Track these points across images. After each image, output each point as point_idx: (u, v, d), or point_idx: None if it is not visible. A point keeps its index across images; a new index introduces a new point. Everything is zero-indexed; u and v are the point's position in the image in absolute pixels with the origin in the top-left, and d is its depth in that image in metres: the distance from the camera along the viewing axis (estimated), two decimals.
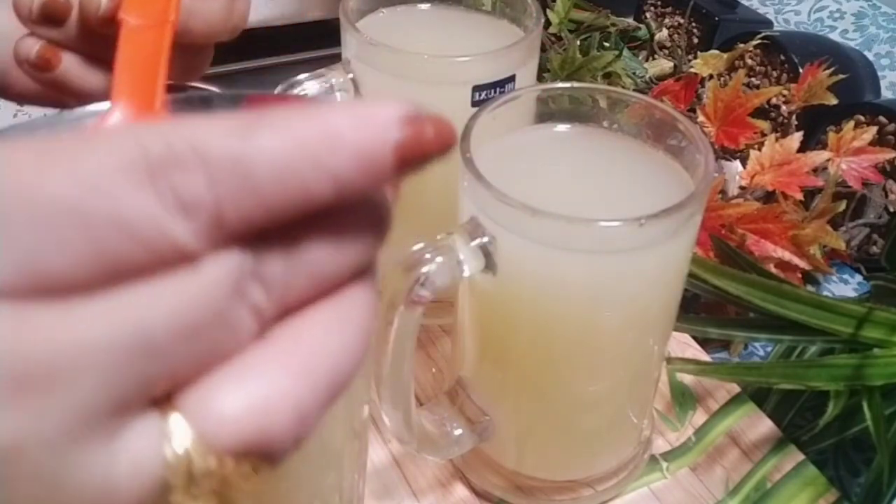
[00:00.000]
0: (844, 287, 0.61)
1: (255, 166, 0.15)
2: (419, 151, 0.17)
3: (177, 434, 0.16)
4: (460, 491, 0.43)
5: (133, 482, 0.15)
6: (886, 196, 0.61)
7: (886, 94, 0.71)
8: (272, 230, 0.16)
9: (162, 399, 0.16)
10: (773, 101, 0.66)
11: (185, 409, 0.16)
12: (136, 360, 0.15)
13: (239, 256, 0.16)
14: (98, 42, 0.36)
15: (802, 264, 0.55)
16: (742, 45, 0.68)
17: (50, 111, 0.43)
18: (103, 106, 0.24)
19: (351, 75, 0.46)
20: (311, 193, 0.16)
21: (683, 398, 0.49)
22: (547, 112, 0.41)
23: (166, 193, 0.15)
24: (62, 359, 0.14)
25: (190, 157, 0.15)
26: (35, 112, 0.76)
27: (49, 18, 0.35)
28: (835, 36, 0.78)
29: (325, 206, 0.16)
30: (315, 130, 0.16)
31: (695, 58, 0.69)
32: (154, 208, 0.15)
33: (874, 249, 0.62)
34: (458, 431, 0.40)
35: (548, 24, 0.75)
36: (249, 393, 0.16)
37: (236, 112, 0.16)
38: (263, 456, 0.16)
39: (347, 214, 0.17)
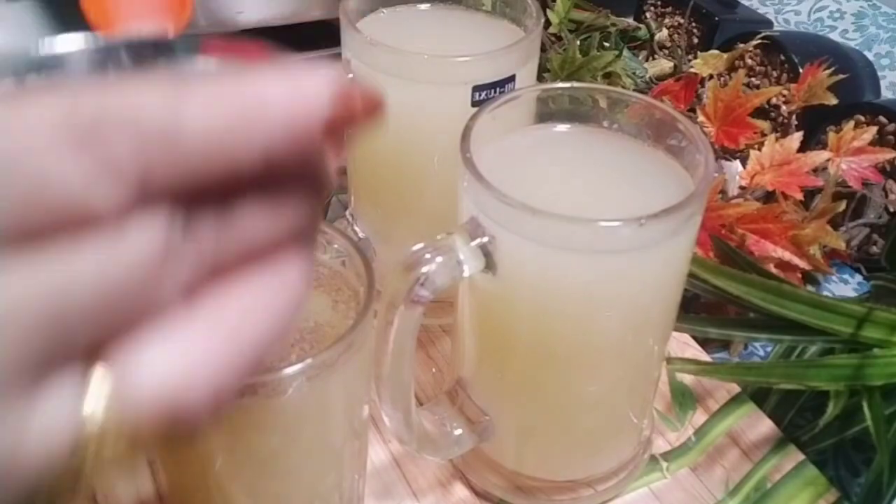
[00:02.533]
0: (844, 287, 0.61)
1: (183, 136, 0.16)
2: (347, 122, 0.17)
3: (96, 387, 0.16)
4: (460, 491, 0.43)
5: (42, 448, 0.15)
6: (886, 196, 0.61)
7: (886, 94, 0.71)
8: (205, 194, 0.17)
9: (85, 353, 0.16)
10: (773, 101, 0.66)
11: (106, 366, 0.16)
12: (55, 323, 0.15)
13: (167, 220, 0.16)
14: None
15: (802, 264, 0.55)
16: (742, 45, 0.68)
17: None
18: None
19: (351, 75, 0.46)
20: (240, 162, 0.16)
21: (683, 398, 0.49)
22: (547, 112, 0.41)
23: (94, 157, 0.15)
24: None
25: (120, 124, 0.15)
26: None
27: None
28: (835, 36, 0.78)
29: (255, 174, 0.17)
30: (245, 101, 0.16)
31: (695, 58, 0.69)
32: (81, 171, 0.15)
33: (874, 249, 0.62)
34: (458, 431, 0.40)
35: (548, 24, 0.75)
36: (173, 357, 0.16)
37: (181, 66, 0.17)
38: (176, 426, 0.16)
39: (281, 180, 0.18)
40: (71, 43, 0.19)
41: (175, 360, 0.16)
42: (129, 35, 0.21)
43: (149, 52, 0.21)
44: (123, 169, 0.15)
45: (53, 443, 0.16)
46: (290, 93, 0.16)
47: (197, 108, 0.16)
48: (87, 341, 0.16)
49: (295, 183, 0.18)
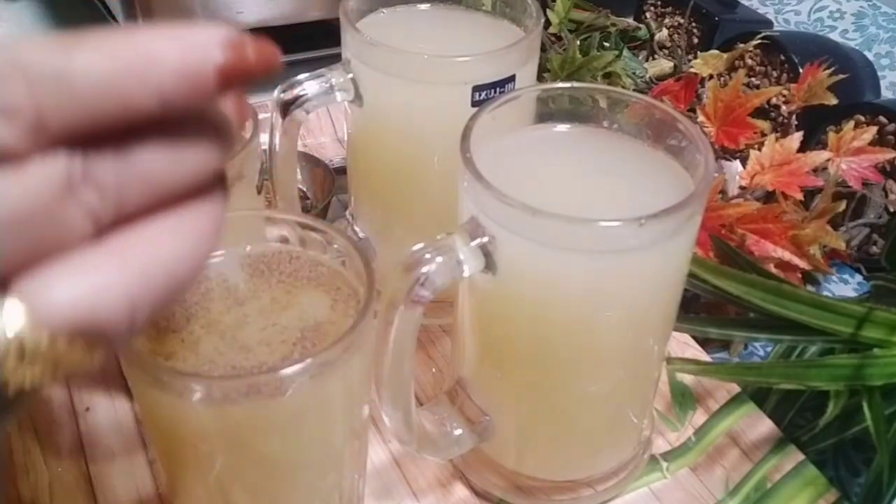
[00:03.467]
0: (844, 287, 0.61)
1: (75, 78, 0.17)
2: (240, 71, 0.18)
3: (9, 313, 0.17)
4: (460, 491, 0.43)
5: None
6: (886, 196, 0.61)
7: (886, 94, 0.71)
8: (103, 137, 0.18)
9: None
10: (773, 101, 0.66)
11: (19, 293, 0.17)
12: None
13: (66, 159, 0.17)
14: None
15: (802, 264, 0.55)
16: (742, 45, 0.68)
17: None
18: None
19: (351, 75, 0.46)
20: (134, 105, 0.17)
21: (683, 398, 0.49)
22: (547, 112, 0.41)
23: None
24: None
25: (9, 69, 0.17)
26: None
27: None
28: (835, 36, 0.78)
29: (154, 118, 0.18)
30: (136, 50, 0.17)
31: (695, 58, 0.69)
32: None
33: (874, 249, 0.62)
34: (458, 431, 0.40)
35: (548, 24, 0.75)
36: (83, 280, 0.18)
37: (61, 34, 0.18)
38: (96, 338, 0.18)
39: (181, 126, 0.19)
40: None
41: (85, 280, 0.18)
42: None
43: None
44: (17, 111, 0.16)
45: None
46: (181, 42, 0.18)
47: (88, 54, 0.17)
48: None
49: (195, 129, 0.19)
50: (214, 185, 0.20)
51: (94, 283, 0.18)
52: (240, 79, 0.18)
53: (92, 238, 0.18)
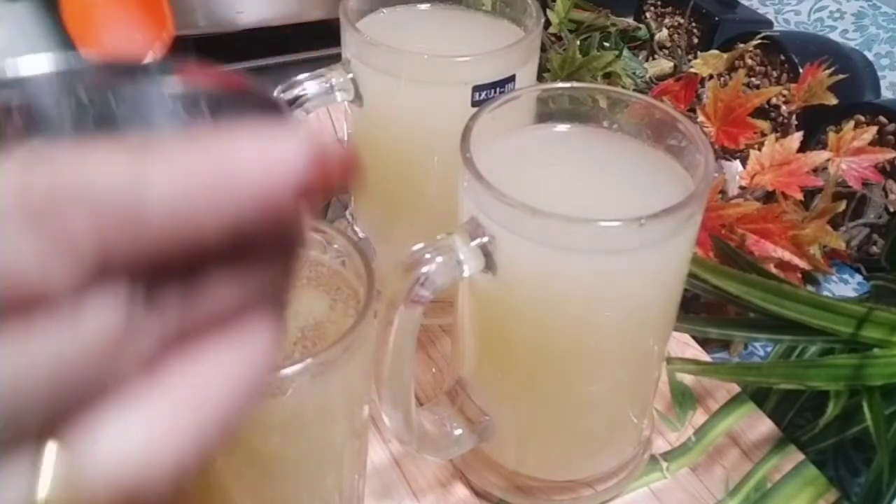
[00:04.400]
0: (844, 287, 0.61)
1: (146, 211, 0.15)
2: (322, 188, 0.16)
3: (48, 479, 0.15)
4: (460, 491, 0.43)
5: None
6: (886, 196, 0.61)
7: (886, 94, 0.71)
8: (168, 266, 0.16)
9: (39, 433, 0.15)
10: (773, 101, 0.66)
11: (61, 447, 0.15)
12: (7, 409, 0.14)
13: (128, 296, 0.15)
14: None
15: (802, 264, 0.55)
16: (742, 45, 0.68)
17: None
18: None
19: (351, 75, 0.46)
20: (206, 234, 0.15)
21: (683, 398, 0.49)
22: (547, 112, 0.41)
23: (49, 235, 0.14)
24: None
25: (77, 199, 0.14)
26: None
27: None
28: (835, 36, 0.78)
29: (223, 244, 0.16)
30: (213, 171, 0.15)
31: (695, 58, 0.69)
32: (34, 249, 0.14)
33: (874, 249, 0.62)
34: (458, 431, 0.40)
35: (548, 24, 0.75)
36: (129, 436, 0.15)
37: (153, 91, 0.16)
38: (135, 499, 0.16)
39: (250, 246, 0.16)
40: (38, 65, 0.17)
41: (134, 436, 0.15)
42: (103, 57, 0.20)
43: (122, 76, 0.18)
44: (80, 247, 0.14)
45: None
46: (262, 160, 0.15)
47: (162, 179, 0.15)
48: (41, 423, 0.15)
49: (265, 247, 0.17)
50: (275, 296, 0.18)
51: (143, 437, 0.15)
52: (319, 197, 0.16)
53: (143, 372, 0.16)
